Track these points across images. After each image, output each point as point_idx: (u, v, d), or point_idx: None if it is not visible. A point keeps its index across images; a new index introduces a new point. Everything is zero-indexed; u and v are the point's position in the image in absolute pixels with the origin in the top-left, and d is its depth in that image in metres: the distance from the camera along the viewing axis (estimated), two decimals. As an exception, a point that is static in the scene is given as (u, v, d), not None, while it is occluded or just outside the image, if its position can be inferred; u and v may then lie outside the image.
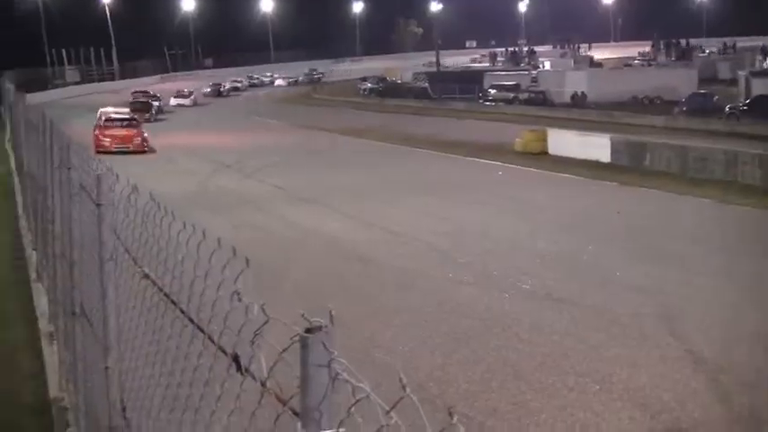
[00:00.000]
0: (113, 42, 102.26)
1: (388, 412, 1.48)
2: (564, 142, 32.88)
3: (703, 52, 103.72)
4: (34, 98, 42.54)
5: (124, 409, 4.32)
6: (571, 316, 12.56)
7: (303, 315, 1.71)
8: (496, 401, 9.32)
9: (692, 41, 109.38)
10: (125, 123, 37.27)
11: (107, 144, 34.13)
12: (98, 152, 30.34)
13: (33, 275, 13.33)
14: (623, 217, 20.49)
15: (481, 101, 62.74)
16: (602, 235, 18.28)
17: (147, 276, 3.69)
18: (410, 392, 1.47)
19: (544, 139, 33.76)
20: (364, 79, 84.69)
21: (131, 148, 34.64)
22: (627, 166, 28.92)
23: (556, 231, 18.80)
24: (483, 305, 13.18)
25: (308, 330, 1.67)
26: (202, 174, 28.81)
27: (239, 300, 2.20)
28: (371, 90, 77.79)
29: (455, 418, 1.34)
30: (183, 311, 3.04)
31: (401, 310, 12.84)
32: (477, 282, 14.57)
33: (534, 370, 10.37)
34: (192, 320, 2.91)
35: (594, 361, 10.69)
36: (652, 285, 14.15)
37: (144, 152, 35.15)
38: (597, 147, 30.88)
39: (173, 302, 3.23)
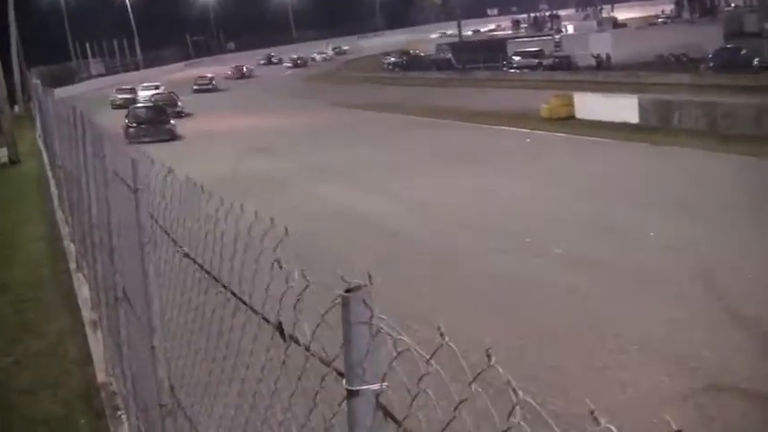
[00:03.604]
0: (135, 33, 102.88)
1: (428, 360, 1.55)
2: (591, 105, 32.60)
3: (728, 6, 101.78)
4: (61, 93, 43.14)
5: (172, 388, 4.43)
6: (607, 278, 12.57)
7: (342, 277, 1.78)
8: (535, 367, 9.36)
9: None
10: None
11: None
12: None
13: (73, 266, 13.57)
14: (655, 177, 20.36)
15: (506, 69, 62.32)
16: (635, 196, 18.18)
17: (187, 255, 3.79)
18: (448, 341, 1.54)
19: (571, 104, 33.51)
20: (387, 54, 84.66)
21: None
22: (656, 126, 28.62)
23: (587, 195, 18.74)
24: (517, 272, 13.22)
25: (348, 290, 1.75)
26: (232, 158, 28.98)
27: (280, 267, 2.27)
28: (395, 64, 77.61)
29: (493, 360, 1.41)
30: (225, 286, 3.13)
31: (435, 281, 12.90)
32: (510, 249, 14.59)
33: (572, 334, 10.40)
34: (234, 294, 3.00)
35: (632, 321, 10.70)
36: (687, 244, 14.09)
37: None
38: (625, 108, 30.58)
39: (214, 278, 3.33)
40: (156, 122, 37.10)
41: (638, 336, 10.19)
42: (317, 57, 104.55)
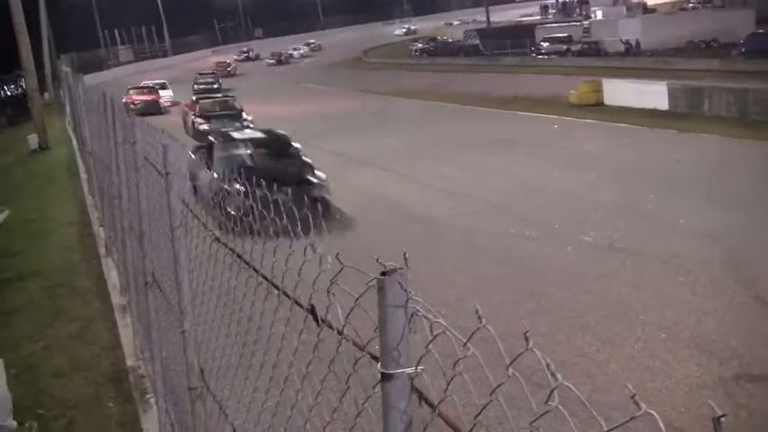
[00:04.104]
0: (163, 19, 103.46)
1: (465, 344, 1.54)
2: (620, 92, 32.38)
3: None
4: (90, 80, 43.37)
5: (202, 372, 4.45)
6: (636, 265, 12.48)
7: (378, 259, 1.77)
8: (564, 354, 9.32)
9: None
10: None
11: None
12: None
13: (103, 251, 13.69)
14: (684, 164, 20.17)
15: (534, 55, 61.96)
16: (664, 183, 18.03)
17: (217, 239, 3.80)
18: (486, 324, 1.53)
19: (599, 90, 33.30)
20: (415, 40, 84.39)
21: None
22: (685, 113, 28.41)
23: (616, 181, 18.61)
24: (546, 259, 13.17)
25: (383, 273, 1.74)
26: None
27: (314, 251, 2.26)
28: (422, 50, 77.44)
29: (531, 343, 1.39)
30: (256, 270, 3.13)
31: (464, 268, 12.87)
32: (539, 236, 14.54)
33: (600, 321, 10.35)
34: (265, 277, 2.99)
35: (661, 309, 10.62)
36: (717, 232, 13.96)
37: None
38: (654, 94, 30.34)
39: (246, 262, 3.33)
40: (294, 181, 15.52)
41: (666, 324, 10.12)
42: (295, 53, 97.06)
